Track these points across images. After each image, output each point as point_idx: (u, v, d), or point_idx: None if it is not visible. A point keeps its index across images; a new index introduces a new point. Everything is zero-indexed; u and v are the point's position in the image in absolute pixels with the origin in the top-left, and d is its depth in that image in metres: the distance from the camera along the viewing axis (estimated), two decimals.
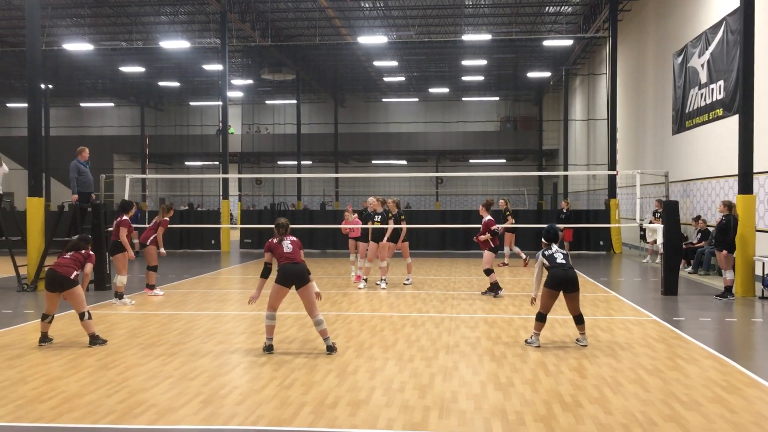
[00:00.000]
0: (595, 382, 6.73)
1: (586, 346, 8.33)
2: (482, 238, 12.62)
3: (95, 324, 8.66)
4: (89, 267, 8.82)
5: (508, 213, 17.86)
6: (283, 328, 9.54)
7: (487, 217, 12.75)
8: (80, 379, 6.87)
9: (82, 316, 8.42)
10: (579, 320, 8.41)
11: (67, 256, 8.64)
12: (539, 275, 8.53)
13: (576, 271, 8.44)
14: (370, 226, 13.85)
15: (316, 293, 7.99)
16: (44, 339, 8.50)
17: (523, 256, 18.18)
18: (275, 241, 8.06)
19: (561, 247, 8.66)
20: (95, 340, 8.43)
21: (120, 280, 11.90)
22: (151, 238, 12.98)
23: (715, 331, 9.71)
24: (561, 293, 8.22)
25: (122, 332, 9.29)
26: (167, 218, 13.20)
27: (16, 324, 10.02)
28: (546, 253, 8.45)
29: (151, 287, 12.97)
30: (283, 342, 8.60)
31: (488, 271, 12.61)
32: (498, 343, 8.54)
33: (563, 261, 8.32)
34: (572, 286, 8.19)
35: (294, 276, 7.89)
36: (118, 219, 12.18)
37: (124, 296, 11.99)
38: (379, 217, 13.71)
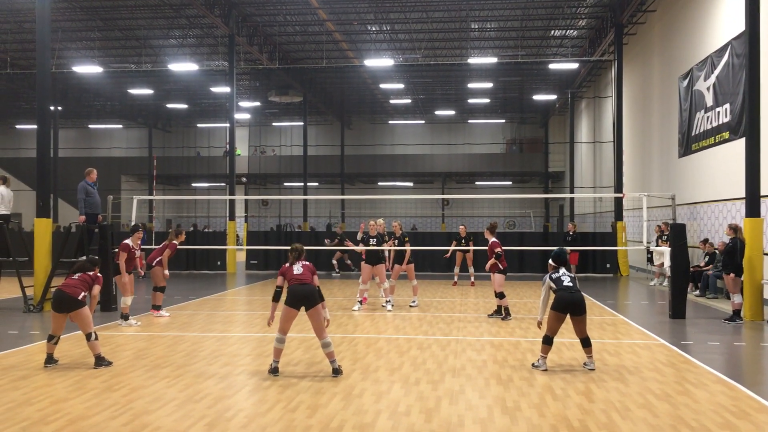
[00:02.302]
0: (603, 407, 6.67)
1: (593, 369, 8.27)
2: (490, 263, 12.61)
3: (101, 345, 8.64)
4: (96, 289, 8.82)
5: (470, 240, 19.08)
6: (289, 350, 9.50)
7: (492, 239, 12.76)
8: (85, 401, 6.84)
9: (88, 336, 8.43)
10: (586, 343, 8.37)
11: (75, 277, 8.66)
12: (546, 298, 8.51)
13: (583, 294, 8.42)
14: (362, 248, 13.95)
15: (326, 319, 8.01)
16: (50, 360, 8.47)
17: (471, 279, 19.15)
18: (287, 264, 8.16)
19: (568, 270, 8.66)
20: (101, 361, 8.42)
21: (124, 301, 11.94)
22: (158, 259, 12.98)
23: (723, 355, 9.63)
24: (568, 316, 8.20)
25: (128, 353, 9.27)
26: (176, 242, 13.18)
27: (22, 345, 10.01)
28: (553, 276, 8.45)
29: (157, 308, 12.94)
30: (289, 364, 8.56)
31: (501, 295, 12.56)
32: (505, 367, 8.49)
33: (570, 284, 8.31)
34: (579, 309, 8.18)
35: (302, 297, 7.89)
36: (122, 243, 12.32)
37: (130, 317, 11.99)
38: (375, 240, 13.78)
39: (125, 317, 11.94)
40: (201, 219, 47.67)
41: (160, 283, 12.92)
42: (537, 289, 18.27)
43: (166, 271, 13.04)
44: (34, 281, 13.91)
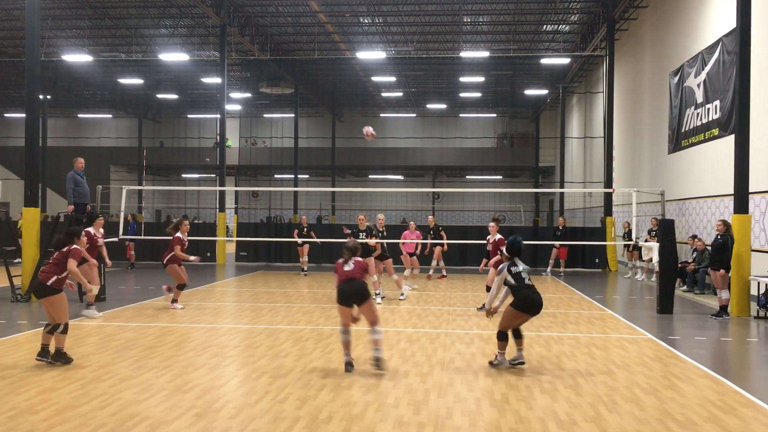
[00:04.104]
0: (591, 401, 6.71)
1: (524, 363, 8.01)
2: (495, 260, 12.31)
3: (90, 336, 8.59)
4: (71, 263, 8.00)
5: (440, 229, 18.90)
6: (278, 341, 9.51)
7: (498, 236, 12.75)
8: (73, 390, 6.82)
9: (55, 327, 7.82)
10: (519, 335, 8.06)
11: (53, 258, 8.09)
12: (499, 288, 8.05)
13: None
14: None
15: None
16: (42, 352, 7.87)
17: (444, 273, 19.14)
18: (340, 261, 8.03)
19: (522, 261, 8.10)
20: (60, 357, 7.82)
21: (89, 290, 11.46)
22: (168, 257, 12.66)
23: (710, 350, 9.70)
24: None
25: (116, 344, 9.24)
26: (179, 235, 12.82)
27: (9, 335, 9.95)
28: (513, 270, 7.88)
29: (174, 301, 12.77)
30: (278, 356, 8.56)
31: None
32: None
33: (530, 282, 7.89)
34: (539, 309, 7.86)
35: (351, 294, 7.76)
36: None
37: (92, 307, 11.54)
38: (364, 234, 13.83)
39: (88, 305, 11.58)
40: (191, 210, 47.53)
41: (178, 281, 12.70)
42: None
43: (192, 257, 12.87)
44: (22, 270, 13.82)
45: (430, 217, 16.39)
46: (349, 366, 7.80)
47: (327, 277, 19.13)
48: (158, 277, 18.42)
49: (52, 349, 7.94)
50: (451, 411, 6.31)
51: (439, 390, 7.03)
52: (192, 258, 12.77)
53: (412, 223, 17.94)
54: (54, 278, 7.87)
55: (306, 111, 46.81)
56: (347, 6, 26.71)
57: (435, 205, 47.28)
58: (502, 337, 7.92)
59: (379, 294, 13.87)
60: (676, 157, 19.49)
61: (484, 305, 12.69)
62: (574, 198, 37.23)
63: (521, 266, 7.89)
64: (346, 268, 7.94)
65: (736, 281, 12.58)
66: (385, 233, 14.45)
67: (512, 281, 7.81)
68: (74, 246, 8.11)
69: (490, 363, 8.09)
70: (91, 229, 11.98)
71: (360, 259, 8.09)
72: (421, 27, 29.13)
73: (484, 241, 14.30)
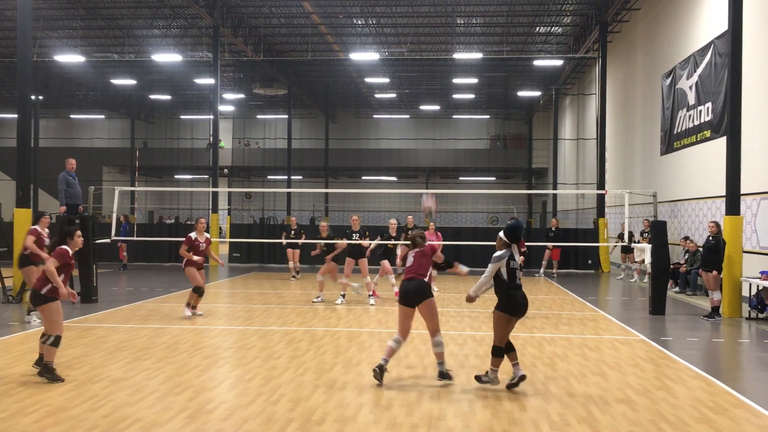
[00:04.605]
0: (583, 401, 6.73)
1: (525, 378, 7.07)
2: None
3: (83, 337, 8.54)
4: (49, 263, 7.26)
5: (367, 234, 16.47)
6: (271, 342, 9.49)
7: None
8: (65, 392, 6.79)
9: (47, 339, 7.21)
10: (512, 348, 7.14)
11: None
12: (491, 276, 7.00)
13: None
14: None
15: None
16: (39, 361, 7.43)
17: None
18: (408, 252, 7.60)
19: (519, 252, 7.31)
20: (47, 372, 7.16)
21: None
22: (186, 259, 11.95)
23: (702, 351, 9.74)
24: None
25: (108, 345, 9.21)
26: (191, 234, 12.21)
27: (0, 336, 9.90)
28: (511, 264, 6.97)
29: (193, 307, 12.01)
30: (271, 357, 8.54)
31: None
32: (486, 361, 8.49)
33: (520, 282, 7.07)
34: (526, 311, 7.11)
35: (410, 293, 7.32)
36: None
37: (32, 312, 10.99)
38: (357, 235, 13.81)
39: (29, 310, 10.95)
40: (183, 211, 47.41)
41: (195, 283, 11.88)
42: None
43: (218, 259, 12.75)
44: (14, 272, 13.75)
45: (410, 217, 15.82)
46: (379, 370, 7.17)
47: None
48: (151, 278, 18.37)
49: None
50: (444, 412, 6.31)
51: (432, 391, 7.04)
52: (195, 258, 11.92)
53: (432, 224, 17.53)
54: (48, 286, 7.24)
55: (299, 112, 46.77)
56: (341, 7, 26.69)
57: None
58: (498, 352, 7.04)
59: (371, 295, 13.89)
60: (669, 158, 19.56)
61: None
62: (567, 199, 37.32)
63: (517, 258, 7.06)
64: (407, 263, 7.50)
65: (728, 282, 12.64)
66: (368, 233, 14.29)
67: (505, 277, 6.92)
68: (62, 246, 7.41)
69: (478, 378, 7.19)
70: (37, 227, 11.30)
71: (420, 248, 7.50)
72: (415, 28, 29.15)
73: (478, 242, 14.30)
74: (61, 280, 7.30)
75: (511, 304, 6.94)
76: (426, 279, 7.38)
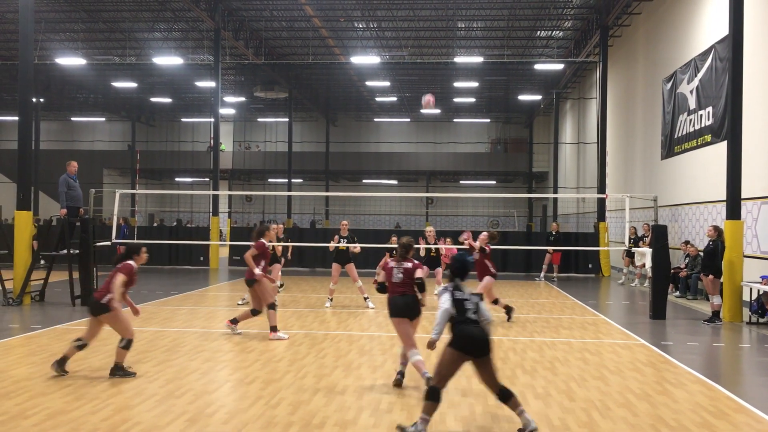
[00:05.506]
0: (584, 406, 6.72)
1: (536, 430, 5.79)
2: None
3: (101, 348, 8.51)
4: (118, 279, 7.55)
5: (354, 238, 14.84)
6: (271, 346, 9.49)
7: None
8: (65, 395, 6.78)
9: (120, 342, 7.61)
10: (506, 396, 5.87)
11: (109, 276, 7.73)
12: (445, 318, 5.95)
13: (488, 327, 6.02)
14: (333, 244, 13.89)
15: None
16: (60, 363, 7.57)
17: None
18: (389, 263, 7.48)
19: (462, 280, 6.20)
20: (119, 370, 7.58)
21: None
22: (257, 271, 10.20)
23: (702, 355, 9.73)
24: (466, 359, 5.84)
25: (108, 348, 9.19)
26: (263, 240, 10.59)
27: (1, 339, 9.89)
28: (456, 295, 5.98)
29: (274, 329, 10.12)
30: (271, 361, 8.54)
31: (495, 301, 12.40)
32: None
33: (474, 315, 5.89)
34: (484, 349, 5.79)
35: (401, 309, 7.40)
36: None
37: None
38: (345, 240, 13.79)
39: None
40: (184, 214, 47.41)
41: (268, 299, 10.20)
42: (520, 288, 18.38)
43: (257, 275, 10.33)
44: (14, 274, 13.75)
45: (344, 222, 15.07)
46: (400, 378, 7.38)
47: (320, 282, 19.06)
48: (151, 281, 18.35)
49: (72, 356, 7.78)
50: (444, 416, 6.31)
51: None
52: (256, 271, 10.19)
53: (448, 239, 17.49)
54: (108, 297, 7.53)
55: (300, 115, 46.79)
56: (342, 11, 26.72)
57: (429, 210, 47.29)
58: (433, 396, 5.70)
59: (367, 298, 13.87)
60: (669, 163, 19.56)
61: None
62: (568, 203, 37.32)
63: (465, 290, 6.05)
64: (395, 279, 7.37)
65: (729, 287, 12.63)
66: (355, 238, 14.21)
67: (452, 310, 5.91)
68: (128, 261, 7.71)
69: (402, 430, 5.67)
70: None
71: (410, 264, 7.43)
72: (416, 32, 29.18)
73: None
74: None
75: (459, 339, 5.77)
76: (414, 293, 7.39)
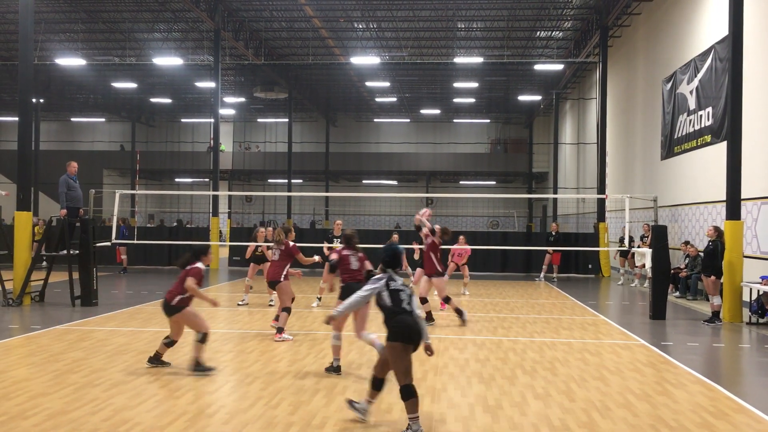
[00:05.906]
0: (584, 406, 6.72)
1: (364, 420, 6.05)
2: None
3: (83, 340, 8.54)
4: (189, 282, 7.80)
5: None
6: (271, 346, 9.49)
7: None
8: (65, 396, 6.78)
9: (196, 337, 7.86)
10: (378, 384, 6.12)
11: (178, 278, 8.00)
12: (360, 303, 6.27)
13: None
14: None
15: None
16: (155, 359, 8.07)
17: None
18: (344, 252, 8.09)
19: (400, 269, 6.45)
20: (199, 366, 7.77)
21: None
22: (284, 271, 10.16)
23: (703, 356, 9.73)
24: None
25: (108, 349, 9.20)
26: (278, 242, 10.29)
27: (1, 339, 9.88)
28: (391, 285, 6.05)
29: (280, 330, 10.10)
30: (271, 361, 8.54)
31: (446, 299, 12.30)
32: (486, 365, 8.51)
33: (409, 306, 5.96)
34: (418, 341, 5.85)
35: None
36: None
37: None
38: (338, 240, 13.83)
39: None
40: (184, 214, 47.41)
41: (287, 303, 10.14)
42: (520, 288, 18.38)
43: (298, 271, 10.72)
44: (14, 275, 13.74)
45: (338, 221, 15.12)
46: (336, 370, 7.92)
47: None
48: (151, 282, 18.36)
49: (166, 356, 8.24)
50: (445, 416, 6.31)
51: (433, 395, 7.03)
52: (296, 272, 10.52)
53: (462, 237, 17.44)
54: (178, 298, 7.89)
55: (300, 116, 46.81)
56: (342, 11, 26.73)
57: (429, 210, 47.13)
58: (409, 393, 5.72)
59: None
60: (669, 163, 19.56)
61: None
62: (567, 204, 37.32)
63: (398, 280, 6.12)
64: (352, 266, 8.13)
65: (728, 287, 12.63)
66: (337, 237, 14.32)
67: (387, 302, 5.96)
68: (197, 264, 8.01)
69: (351, 404, 6.19)
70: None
71: (361, 254, 8.25)
72: (415, 33, 29.18)
73: (478, 247, 14.26)
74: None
75: (401, 330, 5.78)
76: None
